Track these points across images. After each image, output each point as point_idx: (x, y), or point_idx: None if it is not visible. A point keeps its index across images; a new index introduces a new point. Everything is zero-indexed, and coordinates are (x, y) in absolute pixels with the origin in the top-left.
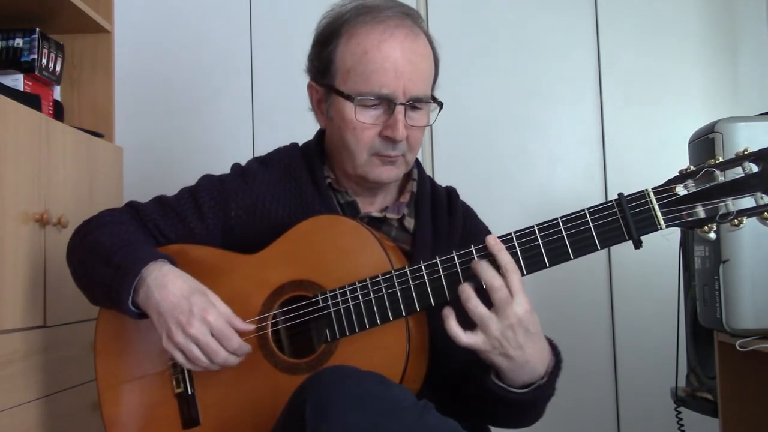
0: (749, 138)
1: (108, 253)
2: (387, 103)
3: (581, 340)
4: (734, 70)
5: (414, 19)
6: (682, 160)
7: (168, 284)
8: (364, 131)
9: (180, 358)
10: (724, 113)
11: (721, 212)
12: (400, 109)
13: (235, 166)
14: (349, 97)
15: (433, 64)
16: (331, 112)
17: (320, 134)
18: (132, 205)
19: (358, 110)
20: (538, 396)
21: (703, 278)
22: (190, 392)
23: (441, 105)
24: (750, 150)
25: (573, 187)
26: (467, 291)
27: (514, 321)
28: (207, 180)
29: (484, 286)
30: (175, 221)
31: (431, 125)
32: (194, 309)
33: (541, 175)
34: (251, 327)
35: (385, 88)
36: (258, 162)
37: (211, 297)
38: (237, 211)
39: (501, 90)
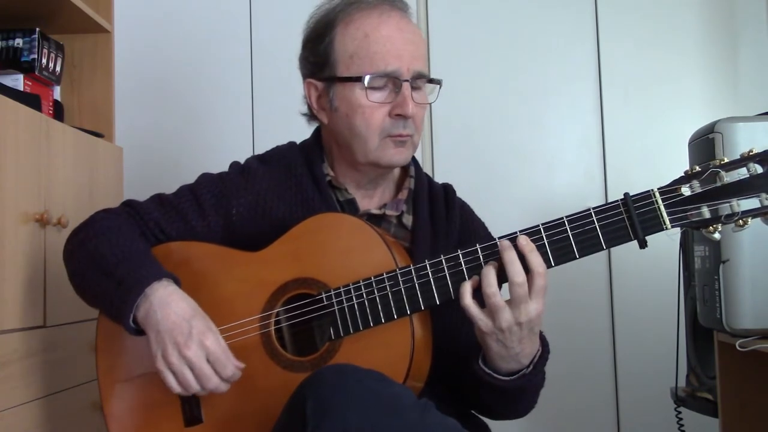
0: (749, 138)
1: (109, 266)
2: (393, 82)
3: (581, 340)
4: (734, 70)
5: (401, 6)
6: (682, 160)
7: (171, 304)
8: (374, 113)
9: (171, 380)
10: (724, 113)
11: (726, 213)
12: (406, 85)
13: (234, 164)
14: (357, 80)
15: (426, 47)
16: (336, 103)
17: (317, 132)
18: (130, 204)
19: (368, 92)
20: (523, 384)
21: (703, 278)
22: None
23: (440, 83)
24: (755, 151)
25: (573, 187)
26: (490, 277)
27: (524, 320)
28: (207, 178)
29: (507, 277)
30: (176, 219)
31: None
32: (193, 331)
33: (541, 175)
34: (242, 365)
35: (391, 66)
36: (257, 160)
37: (211, 325)
38: (238, 208)
39: (501, 90)
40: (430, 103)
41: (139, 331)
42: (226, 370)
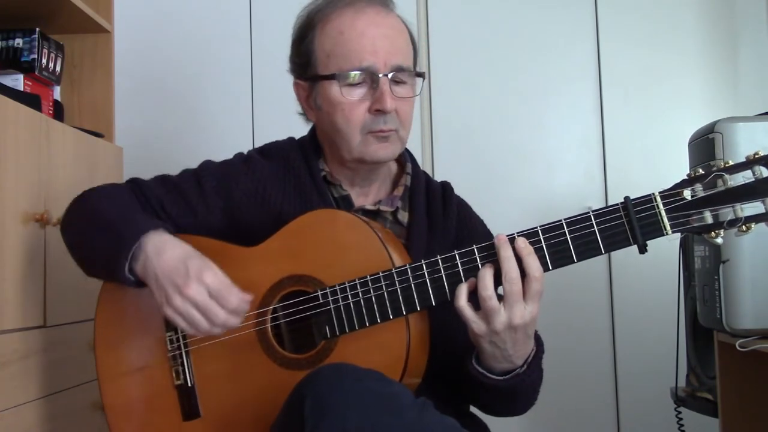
0: (749, 138)
1: (107, 222)
2: (370, 78)
3: (581, 340)
4: (734, 70)
5: (380, 1)
6: (682, 160)
7: (167, 250)
8: (353, 110)
9: (180, 322)
10: (724, 113)
11: (729, 218)
12: (384, 80)
13: (238, 154)
14: (332, 77)
15: (409, 39)
16: (319, 101)
17: (313, 130)
18: (134, 181)
19: (344, 89)
20: (517, 383)
21: (703, 278)
22: (189, 384)
23: (423, 76)
24: (761, 154)
25: (573, 187)
26: (486, 279)
27: (519, 322)
28: (210, 163)
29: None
30: (177, 199)
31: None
32: (191, 271)
33: (541, 175)
34: (250, 296)
35: (366, 62)
36: (258, 152)
37: (209, 262)
38: (238, 193)
39: (501, 90)
40: (417, 96)
41: (139, 283)
42: (230, 302)
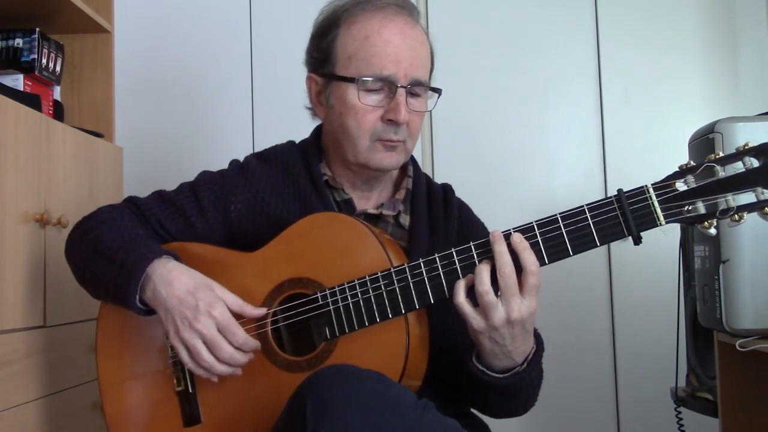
0: (749, 138)
1: (111, 252)
2: (388, 86)
3: (581, 340)
4: (734, 70)
5: (410, 10)
6: (682, 160)
7: (173, 281)
8: (366, 115)
9: (184, 355)
10: (724, 113)
11: (721, 208)
12: (401, 92)
13: (234, 162)
14: (351, 80)
15: (429, 53)
16: (332, 100)
17: (317, 131)
18: (132, 200)
19: (361, 94)
20: (517, 381)
21: (703, 278)
22: (191, 390)
23: (440, 92)
24: (751, 145)
25: (573, 187)
26: (483, 275)
27: (516, 317)
28: (206, 175)
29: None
30: (176, 216)
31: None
32: (200, 304)
33: (541, 175)
34: (263, 311)
35: (387, 71)
36: (256, 158)
37: (218, 291)
38: (237, 205)
39: (501, 90)
40: (428, 111)
41: (149, 311)
42: (237, 337)
